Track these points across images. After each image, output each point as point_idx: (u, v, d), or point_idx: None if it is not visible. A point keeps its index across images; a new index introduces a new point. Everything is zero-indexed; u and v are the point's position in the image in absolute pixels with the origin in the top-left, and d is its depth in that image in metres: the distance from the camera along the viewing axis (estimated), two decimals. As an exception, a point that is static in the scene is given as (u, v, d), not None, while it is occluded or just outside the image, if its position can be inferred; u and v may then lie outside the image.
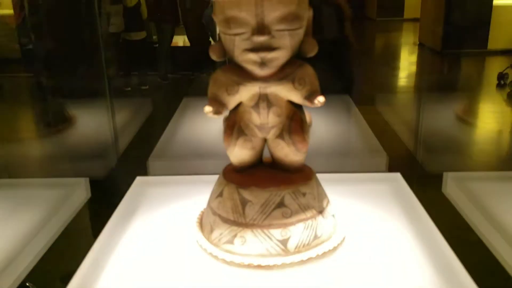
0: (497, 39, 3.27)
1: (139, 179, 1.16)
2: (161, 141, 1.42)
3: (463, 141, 1.43)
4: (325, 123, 1.56)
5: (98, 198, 1.19)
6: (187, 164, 1.31)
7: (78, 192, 1.13)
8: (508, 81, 1.87)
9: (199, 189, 1.01)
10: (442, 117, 1.53)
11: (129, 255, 0.86)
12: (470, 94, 1.70)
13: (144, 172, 1.29)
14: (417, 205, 1.01)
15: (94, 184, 1.22)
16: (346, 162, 1.33)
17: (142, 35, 3.23)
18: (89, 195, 1.17)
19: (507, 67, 1.90)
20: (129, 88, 3.18)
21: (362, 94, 2.04)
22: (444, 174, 1.15)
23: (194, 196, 1.06)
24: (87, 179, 1.16)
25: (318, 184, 0.87)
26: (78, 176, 1.21)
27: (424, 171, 1.33)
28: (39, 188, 1.13)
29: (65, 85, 1.90)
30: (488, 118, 1.50)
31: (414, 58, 5.07)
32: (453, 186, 1.11)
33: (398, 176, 1.15)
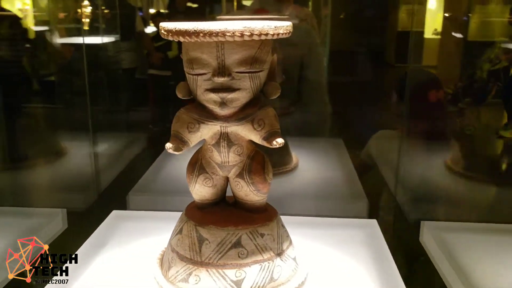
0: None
1: (115, 213, 1.17)
2: (144, 177, 1.43)
3: (450, 191, 1.41)
4: (313, 166, 1.56)
5: (76, 230, 1.20)
6: (168, 200, 1.32)
7: (54, 222, 1.14)
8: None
9: (173, 225, 1.01)
10: (431, 165, 1.52)
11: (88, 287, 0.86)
12: (465, 143, 1.68)
13: (124, 207, 1.30)
14: (387, 253, 0.99)
15: (74, 216, 1.23)
16: (327, 206, 1.33)
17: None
18: (66, 226, 1.18)
19: None
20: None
21: (358, 138, 2.04)
22: (421, 222, 1.14)
23: (167, 232, 1.05)
24: (65, 210, 1.18)
25: (280, 226, 0.87)
26: (60, 207, 1.22)
27: (407, 219, 1.31)
28: (15, 216, 1.14)
29: (67, 118, 1.95)
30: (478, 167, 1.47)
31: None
32: (428, 235, 1.09)
33: (374, 222, 1.14)
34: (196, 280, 0.80)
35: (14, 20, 2.44)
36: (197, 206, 0.88)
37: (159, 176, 1.45)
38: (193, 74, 0.77)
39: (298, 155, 1.58)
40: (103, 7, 4.22)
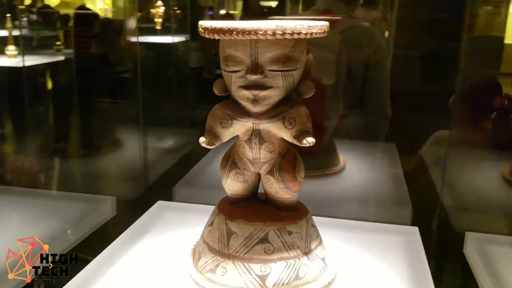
0: None
1: (159, 203, 1.22)
2: (192, 170, 1.48)
3: (504, 203, 1.34)
4: (360, 169, 1.53)
5: (123, 218, 1.26)
6: (212, 193, 1.34)
7: (103, 209, 1.21)
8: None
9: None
10: (486, 174, 1.45)
11: (123, 272, 0.91)
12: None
13: (171, 198, 1.35)
14: (423, 263, 0.96)
15: (124, 204, 1.30)
16: (370, 210, 1.31)
17: None
18: (115, 213, 1.24)
19: None
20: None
21: (414, 144, 1.97)
22: (466, 233, 1.09)
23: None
24: (114, 197, 1.24)
25: (310, 226, 0.87)
26: (115, 195, 1.29)
27: (453, 229, 1.26)
28: (70, 200, 1.23)
29: (134, 113, 2.06)
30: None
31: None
32: (471, 247, 1.04)
33: (415, 230, 1.10)
34: (223, 272, 0.82)
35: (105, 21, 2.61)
36: (229, 200, 0.90)
37: (206, 170, 1.49)
38: (228, 71, 0.80)
39: (347, 157, 1.56)
40: (175, 8, 4.37)
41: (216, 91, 0.85)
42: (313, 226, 0.88)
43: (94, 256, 0.97)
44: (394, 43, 2.28)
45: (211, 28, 0.76)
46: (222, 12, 4.75)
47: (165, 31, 3.69)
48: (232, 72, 0.79)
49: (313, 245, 0.86)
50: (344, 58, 1.55)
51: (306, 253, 0.84)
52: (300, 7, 2.66)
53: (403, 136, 2.07)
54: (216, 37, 0.76)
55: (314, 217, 0.94)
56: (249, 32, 0.72)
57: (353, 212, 1.28)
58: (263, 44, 0.75)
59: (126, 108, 2.19)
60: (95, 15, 3.01)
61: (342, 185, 1.41)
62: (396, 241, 1.06)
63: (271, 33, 0.72)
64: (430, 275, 0.90)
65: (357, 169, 1.52)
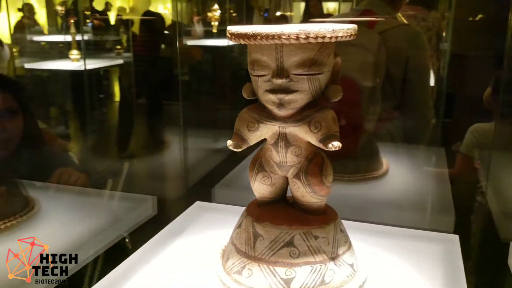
0: None
1: (197, 204, 1.25)
2: (232, 172, 1.49)
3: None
4: (404, 174, 1.49)
5: (164, 217, 1.30)
6: (251, 195, 1.36)
7: (144, 208, 1.25)
8: None
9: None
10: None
11: (156, 269, 0.94)
12: None
13: (211, 199, 1.38)
14: (460, 272, 0.92)
15: (164, 204, 1.34)
16: (413, 216, 1.27)
17: None
18: (155, 212, 1.28)
19: None
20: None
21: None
22: (511, 243, 1.03)
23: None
24: (155, 197, 1.28)
25: (338, 231, 0.86)
26: (156, 195, 1.34)
27: (499, 238, 1.20)
28: (115, 199, 1.28)
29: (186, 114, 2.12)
30: None
31: None
32: (515, 258, 0.99)
33: (455, 238, 1.06)
34: (248, 274, 0.83)
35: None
36: (257, 203, 0.91)
37: (245, 172, 1.50)
38: (254, 75, 0.81)
39: (391, 162, 1.53)
40: (231, 11, 4.45)
41: (244, 95, 0.86)
42: (342, 231, 0.87)
43: (132, 252, 1.01)
44: (451, 43, 2.21)
45: (237, 34, 0.77)
46: (278, 14, 4.78)
47: (220, 34, 3.77)
48: (258, 76, 0.80)
49: (340, 251, 0.85)
50: (382, 59, 1.52)
51: (333, 258, 0.83)
52: (354, 7, 2.64)
53: (460, 139, 1.99)
54: (242, 42, 0.77)
55: (351, 222, 0.93)
56: (273, 37, 0.72)
57: (394, 218, 1.25)
58: (288, 48, 0.76)
59: (178, 110, 2.26)
60: (162, 21, 3.11)
61: (385, 189, 1.38)
62: (434, 249, 1.02)
63: (295, 38, 0.72)
64: (466, 286, 0.87)
65: (401, 173, 1.48)
